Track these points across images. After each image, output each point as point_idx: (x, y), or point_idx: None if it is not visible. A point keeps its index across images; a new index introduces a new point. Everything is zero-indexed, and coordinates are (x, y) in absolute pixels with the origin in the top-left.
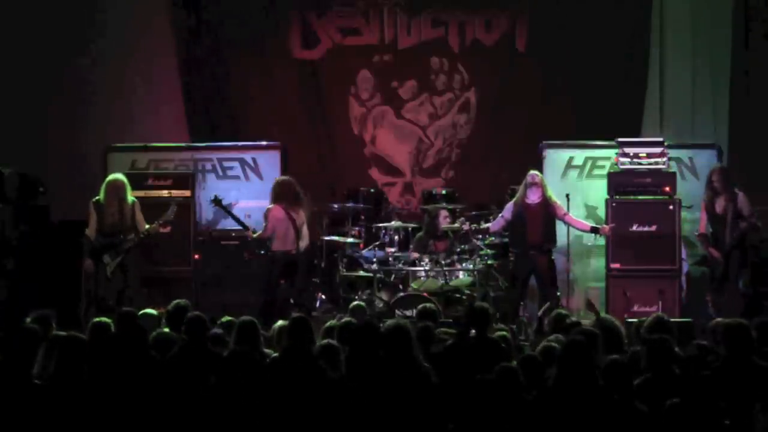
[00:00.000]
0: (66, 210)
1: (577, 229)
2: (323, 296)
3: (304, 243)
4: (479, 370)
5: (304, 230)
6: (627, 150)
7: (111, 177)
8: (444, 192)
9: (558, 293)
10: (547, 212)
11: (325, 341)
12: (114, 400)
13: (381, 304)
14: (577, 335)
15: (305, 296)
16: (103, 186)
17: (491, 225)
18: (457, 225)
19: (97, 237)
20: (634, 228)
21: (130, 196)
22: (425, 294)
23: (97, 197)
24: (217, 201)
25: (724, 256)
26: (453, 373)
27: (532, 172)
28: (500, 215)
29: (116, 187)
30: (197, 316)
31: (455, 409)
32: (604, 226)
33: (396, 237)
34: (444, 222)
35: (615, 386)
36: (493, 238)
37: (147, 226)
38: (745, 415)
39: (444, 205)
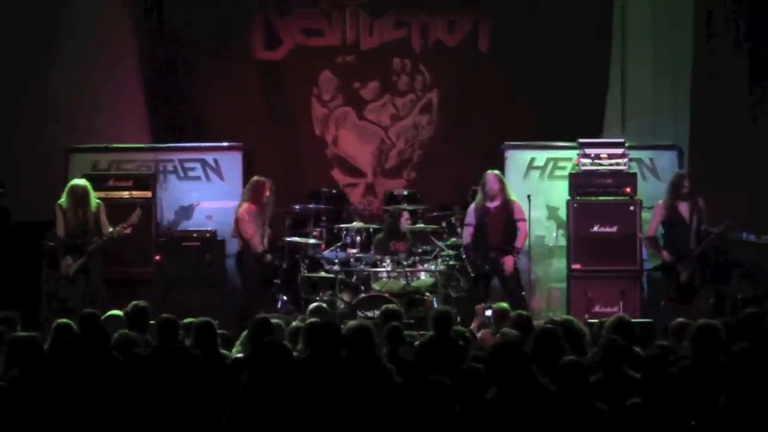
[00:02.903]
0: (27, 211)
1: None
2: (285, 297)
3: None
4: (440, 371)
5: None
6: (588, 151)
7: (73, 183)
8: (406, 193)
9: (524, 293)
10: (508, 214)
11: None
12: (76, 401)
13: (343, 305)
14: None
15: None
16: (65, 191)
17: (464, 238)
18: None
19: (65, 240)
20: (595, 229)
21: (94, 200)
22: (387, 295)
23: (61, 200)
24: None
25: (689, 263)
26: (418, 374)
27: (491, 175)
28: (466, 224)
29: (76, 194)
30: (168, 318)
31: (418, 410)
32: (507, 259)
33: (358, 238)
34: (405, 224)
35: (572, 386)
36: (454, 240)
37: (111, 229)
38: (711, 415)
39: (406, 206)
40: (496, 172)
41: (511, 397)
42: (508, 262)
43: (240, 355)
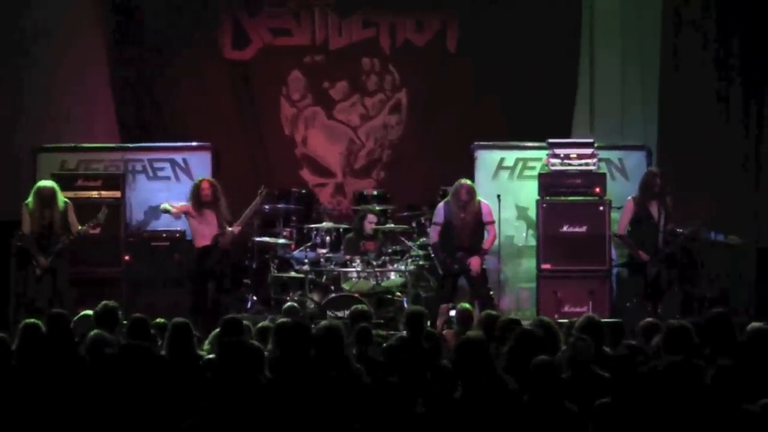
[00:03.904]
0: None
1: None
2: (254, 297)
3: None
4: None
5: None
6: (557, 151)
7: (39, 184)
8: (375, 193)
9: (491, 293)
10: (476, 218)
11: (250, 342)
12: (44, 401)
13: (312, 305)
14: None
15: None
16: (32, 192)
17: (432, 237)
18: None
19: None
20: (565, 229)
21: (61, 200)
22: (357, 295)
23: (28, 200)
24: None
25: (658, 262)
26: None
27: (465, 186)
28: (434, 223)
29: (42, 196)
30: (139, 317)
31: (386, 409)
32: (474, 259)
33: (327, 238)
34: (369, 227)
35: (545, 386)
36: (424, 239)
37: (80, 228)
38: (682, 415)
39: (375, 206)
40: (469, 182)
41: (475, 395)
42: (475, 262)
43: (211, 355)
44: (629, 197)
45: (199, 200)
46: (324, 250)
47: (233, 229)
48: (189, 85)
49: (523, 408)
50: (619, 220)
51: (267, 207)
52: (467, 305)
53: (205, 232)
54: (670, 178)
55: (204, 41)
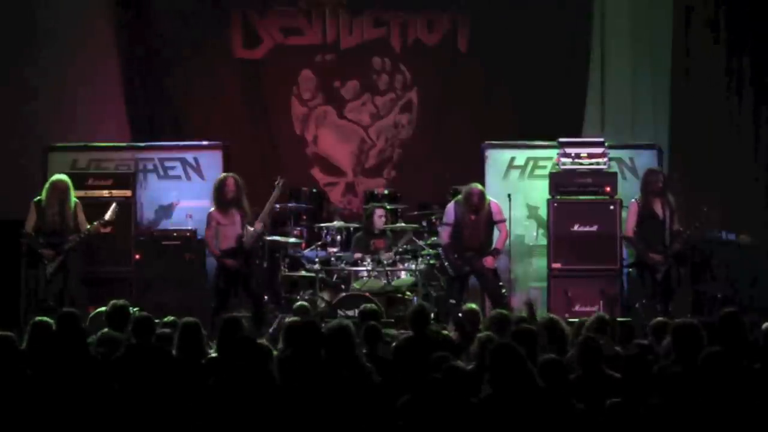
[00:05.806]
0: (5, 210)
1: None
2: (265, 297)
3: None
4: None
5: None
6: (568, 150)
7: (54, 178)
8: (386, 192)
9: (504, 291)
10: (487, 219)
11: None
12: (53, 400)
13: (323, 305)
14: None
15: None
16: (46, 186)
17: (443, 239)
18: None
19: (38, 237)
20: (576, 228)
21: (73, 198)
22: (367, 294)
23: (38, 197)
24: None
25: (665, 261)
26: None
27: (476, 190)
28: (444, 224)
29: (59, 189)
30: (145, 316)
31: (400, 409)
32: (488, 258)
33: (338, 237)
34: (379, 221)
35: (552, 385)
36: (434, 238)
37: (88, 226)
38: (693, 414)
39: (385, 204)
40: (480, 187)
41: (506, 398)
42: (489, 259)
43: (214, 354)
44: (632, 199)
45: (225, 198)
46: (334, 249)
47: (256, 226)
48: (200, 85)
49: (539, 409)
50: (626, 223)
51: (277, 206)
52: (473, 305)
53: (229, 233)
54: (680, 177)
55: (215, 40)
